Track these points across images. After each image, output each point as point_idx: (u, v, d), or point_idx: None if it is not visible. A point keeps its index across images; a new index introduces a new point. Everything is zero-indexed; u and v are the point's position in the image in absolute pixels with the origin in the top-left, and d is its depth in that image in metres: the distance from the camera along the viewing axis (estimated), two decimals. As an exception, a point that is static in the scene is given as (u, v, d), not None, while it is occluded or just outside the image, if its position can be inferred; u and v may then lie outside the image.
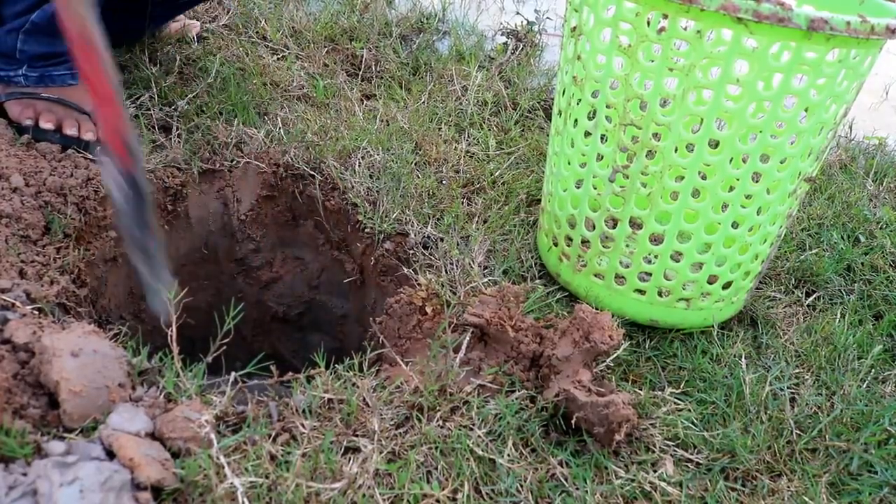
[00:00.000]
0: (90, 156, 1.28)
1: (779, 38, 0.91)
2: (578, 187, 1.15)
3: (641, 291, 1.15)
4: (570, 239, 1.18)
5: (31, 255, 1.07)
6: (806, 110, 1.00)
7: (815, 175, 1.11)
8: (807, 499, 0.94)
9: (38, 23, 1.26)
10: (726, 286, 1.15)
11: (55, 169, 1.22)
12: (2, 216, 1.09)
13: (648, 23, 0.97)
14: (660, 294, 1.14)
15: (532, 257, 1.29)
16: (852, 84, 1.00)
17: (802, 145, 1.03)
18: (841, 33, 0.88)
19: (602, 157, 1.10)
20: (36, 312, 0.96)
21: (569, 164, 1.16)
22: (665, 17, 0.95)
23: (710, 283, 1.14)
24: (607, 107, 1.06)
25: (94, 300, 1.18)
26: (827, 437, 1.03)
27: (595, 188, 1.13)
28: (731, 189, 1.05)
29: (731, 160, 1.02)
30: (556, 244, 1.22)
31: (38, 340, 0.86)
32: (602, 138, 1.09)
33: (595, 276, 1.17)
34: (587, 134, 1.11)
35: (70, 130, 1.28)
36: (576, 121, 1.12)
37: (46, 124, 1.27)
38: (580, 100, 1.10)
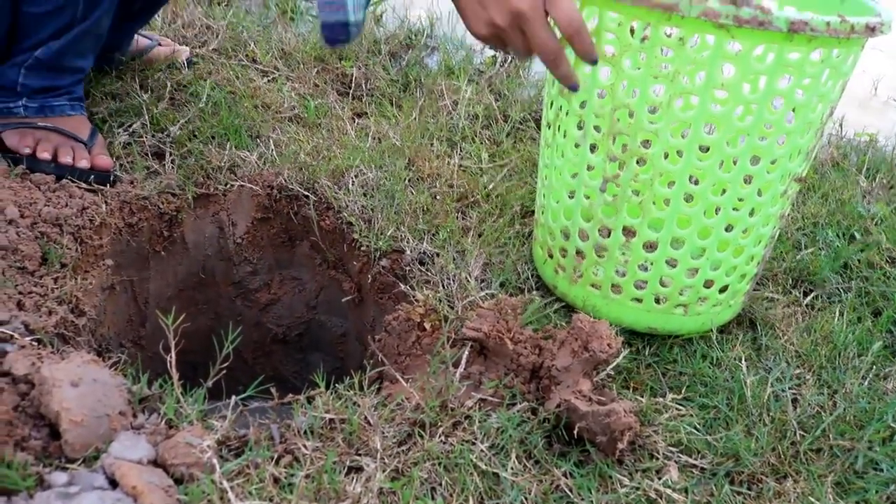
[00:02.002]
0: (84, 184, 1.29)
1: (761, 40, 0.92)
2: (571, 198, 1.15)
3: (638, 300, 1.15)
4: (565, 250, 1.18)
5: (29, 286, 1.07)
6: (793, 111, 1.01)
7: (806, 175, 1.11)
8: (813, 499, 0.93)
9: (42, 59, 1.28)
10: (723, 290, 1.15)
11: (50, 199, 1.22)
12: (-2, 249, 1.09)
13: (632, 31, 0.98)
14: (657, 301, 1.15)
15: (528, 269, 1.29)
16: (837, 83, 1.00)
17: (791, 146, 1.03)
18: (822, 34, 0.89)
19: (592, 168, 1.11)
20: (35, 343, 0.96)
21: (560, 175, 1.16)
22: (648, 25, 0.96)
23: (706, 287, 1.14)
24: (595, 116, 1.06)
25: (93, 329, 1.18)
26: (831, 436, 1.03)
27: (587, 198, 1.13)
28: (723, 192, 1.06)
29: (721, 164, 1.03)
30: (551, 256, 1.22)
31: (37, 371, 0.86)
32: (592, 148, 1.09)
33: (591, 286, 1.17)
34: (577, 145, 1.11)
35: (65, 158, 1.29)
36: (565, 132, 1.13)
37: (43, 153, 1.29)
38: (568, 111, 1.11)
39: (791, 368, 1.14)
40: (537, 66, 2.14)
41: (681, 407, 1.05)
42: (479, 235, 1.36)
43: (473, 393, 0.99)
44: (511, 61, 2.08)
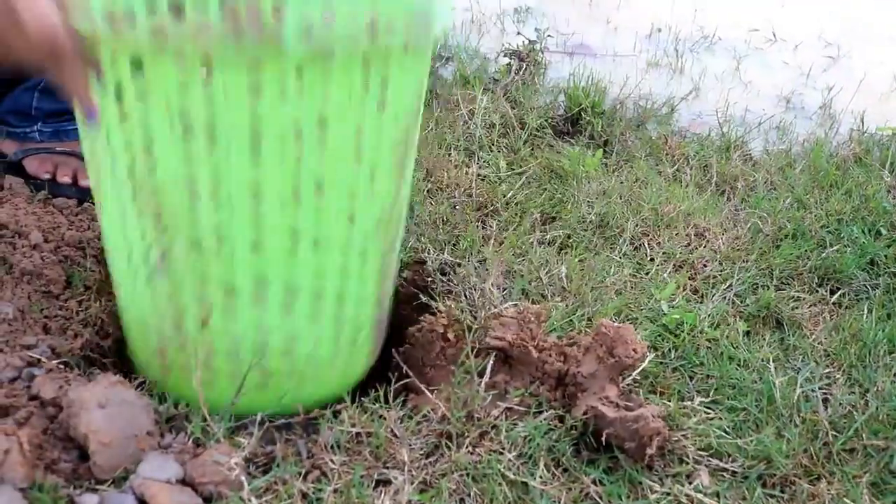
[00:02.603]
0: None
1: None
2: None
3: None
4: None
5: (54, 310, 1.08)
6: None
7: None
8: (848, 501, 0.92)
9: None
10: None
11: (73, 223, 1.24)
12: (24, 274, 1.10)
13: None
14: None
15: (548, 275, 1.28)
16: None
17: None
18: None
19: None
20: (62, 367, 0.96)
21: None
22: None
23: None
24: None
25: (118, 350, 1.18)
26: (864, 436, 1.01)
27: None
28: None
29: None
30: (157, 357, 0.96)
31: (64, 394, 0.86)
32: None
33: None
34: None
35: (85, 181, 1.31)
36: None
37: (64, 178, 1.30)
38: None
39: (820, 368, 1.13)
40: (552, 73, 2.13)
41: (709, 410, 1.04)
42: (500, 244, 1.35)
43: (499, 402, 0.99)
44: (526, 69, 2.08)
